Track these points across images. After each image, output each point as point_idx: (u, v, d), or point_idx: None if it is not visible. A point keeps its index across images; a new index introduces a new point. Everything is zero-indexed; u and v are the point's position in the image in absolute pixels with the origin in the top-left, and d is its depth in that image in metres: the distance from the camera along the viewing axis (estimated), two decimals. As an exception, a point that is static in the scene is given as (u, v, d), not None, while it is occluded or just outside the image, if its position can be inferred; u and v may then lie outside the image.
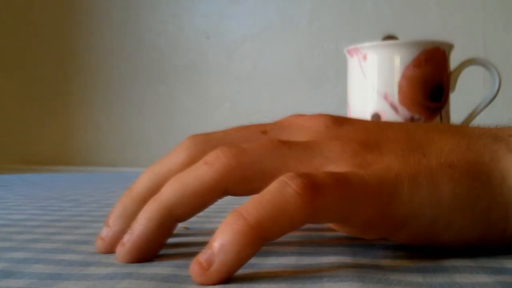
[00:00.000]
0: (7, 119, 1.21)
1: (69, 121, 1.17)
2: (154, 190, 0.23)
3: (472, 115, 0.51)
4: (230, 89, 1.08)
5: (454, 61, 0.50)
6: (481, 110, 0.51)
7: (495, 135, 0.22)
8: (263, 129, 0.24)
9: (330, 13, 1.02)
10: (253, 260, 0.21)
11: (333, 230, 0.28)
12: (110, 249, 0.24)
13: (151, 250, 0.22)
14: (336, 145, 0.22)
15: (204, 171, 0.21)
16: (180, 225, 0.30)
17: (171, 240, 0.25)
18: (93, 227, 0.31)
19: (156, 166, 0.25)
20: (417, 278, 0.18)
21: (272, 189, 0.19)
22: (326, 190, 0.19)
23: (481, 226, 0.21)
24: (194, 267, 0.19)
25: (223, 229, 0.19)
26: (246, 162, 0.21)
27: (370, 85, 0.48)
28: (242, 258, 0.18)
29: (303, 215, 0.18)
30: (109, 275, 0.20)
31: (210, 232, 0.28)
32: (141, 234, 0.22)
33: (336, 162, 0.21)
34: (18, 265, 0.22)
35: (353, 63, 0.50)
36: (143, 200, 0.23)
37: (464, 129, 0.24)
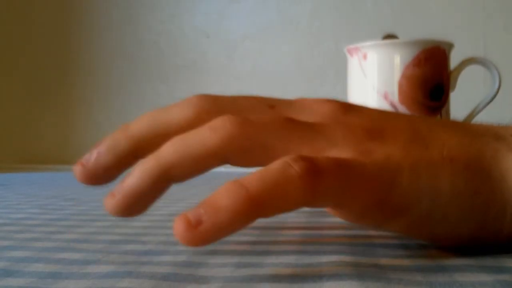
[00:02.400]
0: (6, 118, 1.21)
1: (69, 120, 1.17)
2: (150, 137, 0.22)
3: (472, 114, 0.51)
4: (230, 88, 1.08)
5: (454, 60, 0.50)
6: (481, 109, 0.51)
7: (497, 133, 0.23)
8: (271, 103, 0.24)
9: (330, 13, 1.02)
10: (253, 259, 0.21)
11: (333, 229, 0.28)
12: (87, 178, 0.23)
13: (140, 207, 0.22)
14: (341, 130, 0.22)
15: (208, 136, 0.21)
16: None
17: (171, 238, 0.25)
18: (93, 226, 0.31)
19: (158, 113, 0.24)
20: (417, 277, 0.18)
21: (275, 167, 0.19)
22: (327, 175, 0.19)
23: (477, 222, 0.21)
24: (179, 223, 0.18)
25: (221, 194, 0.18)
26: (251, 133, 0.21)
27: (370, 84, 0.48)
28: (233, 225, 0.18)
29: (302, 197, 0.18)
30: (109, 274, 0.20)
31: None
32: (133, 187, 0.21)
33: (338, 147, 0.21)
34: (18, 264, 0.22)
35: (353, 62, 0.50)
36: (136, 141, 0.23)
37: (467, 126, 0.24)
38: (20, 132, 1.20)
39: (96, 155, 0.23)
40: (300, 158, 0.19)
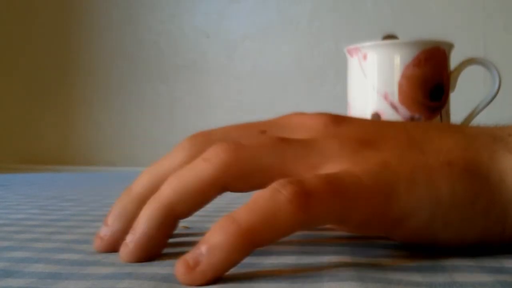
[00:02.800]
0: (6, 118, 1.21)
1: (69, 121, 1.17)
2: (153, 190, 0.23)
3: (472, 115, 0.51)
4: (230, 88, 1.08)
5: (454, 60, 0.50)
6: (481, 109, 0.51)
7: (494, 134, 0.22)
8: (262, 128, 0.24)
9: (330, 13, 1.02)
10: (253, 260, 0.21)
11: (333, 229, 0.28)
12: (108, 249, 0.24)
13: (154, 249, 0.22)
14: (334, 143, 0.22)
15: (203, 167, 0.21)
16: (181, 225, 0.30)
17: (171, 240, 0.25)
18: (93, 226, 0.31)
19: (154, 166, 0.25)
20: (417, 278, 0.18)
21: (264, 196, 0.19)
22: (318, 196, 0.19)
23: (479, 225, 0.21)
24: (179, 266, 0.19)
25: (214, 232, 0.19)
26: (245, 158, 0.21)
27: (370, 85, 0.48)
28: (230, 262, 0.18)
29: (295, 221, 0.19)
30: (109, 275, 0.20)
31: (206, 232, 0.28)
32: (143, 233, 0.22)
33: (333, 160, 0.21)
34: (18, 264, 0.22)
35: (353, 63, 0.50)
36: (142, 200, 0.23)
37: (463, 128, 0.24)
38: (20, 132, 1.20)
39: (109, 226, 0.24)
40: (288, 182, 0.19)
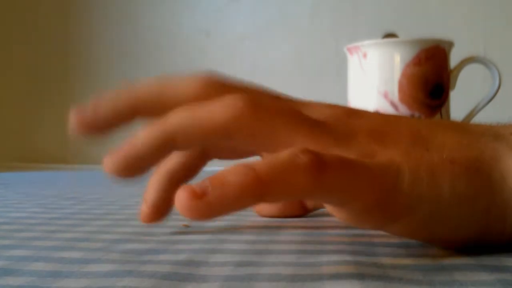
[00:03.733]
0: (6, 117, 1.21)
1: (69, 120, 1.17)
2: (154, 101, 0.22)
3: (472, 113, 0.51)
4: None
5: (454, 59, 0.50)
6: (481, 108, 0.51)
7: (496, 133, 0.22)
8: (279, 96, 0.24)
9: (330, 11, 1.02)
10: (253, 258, 0.21)
11: (333, 228, 0.28)
12: (83, 126, 0.23)
13: (139, 168, 0.22)
14: (345, 131, 0.22)
15: (219, 110, 0.21)
16: (181, 223, 0.30)
17: (171, 238, 0.25)
18: (93, 225, 0.31)
19: (165, 81, 0.24)
20: (418, 276, 0.18)
21: (284, 156, 0.19)
22: (332, 170, 0.19)
23: (479, 224, 0.21)
24: (182, 192, 0.17)
25: (230, 172, 0.18)
26: (262, 116, 0.21)
27: (370, 83, 0.48)
28: (238, 202, 0.17)
29: (308, 187, 0.18)
30: (109, 273, 0.20)
31: (211, 230, 0.28)
32: (135, 147, 0.21)
33: (342, 147, 0.21)
34: (18, 263, 0.22)
35: (353, 61, 0.50)
36: (139, 101, 0.23)
37: (466, 126, 0.24)
38: (20, 131, 1.20)
39: (95, 104, 0.23)
40: (308, 151, 0.19)
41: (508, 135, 0.22)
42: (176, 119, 0.21)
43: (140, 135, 0.21)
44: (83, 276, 0.19)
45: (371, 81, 0.48)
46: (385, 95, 0.47)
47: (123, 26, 1.14)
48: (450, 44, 0.49)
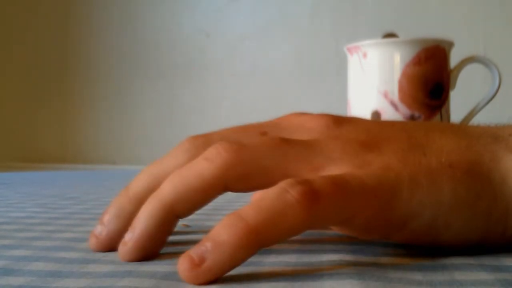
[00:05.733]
0: (7, 117, 1.21)
1: (69, 119, 1.17)
2: (151, 190, 0.23)
3: (472, 113, 0.51)
4: (230, 87, 1.08)
5: (454, 59, 0.50)
6: (481, 108, 0.51)
7: (495, 134, 0.22)
8: (262, 130, 0.24)
9: (330, 11, 1.02)
10: (253, 258, 0.21)
11: (333, 228, 0.28)
12: (103, 248, 0.23)
13: (153, 248, 0.22)
14: (337, 145, 0.22)
15: (205, 166, 0.21)
16: (181, 223, 0.30)
17: (171, 238, 0.25)
18: (93, 225, 0.31)
19: (154, 166, 0.24)
20: (417, 276, 0.18)
21: (271, 195, 0.19)
22: (325, 197, 0.19)
23: (481, 226, 0.21)
24: (183, 262, 0.18)
25: (221, 229, 0.18)
26: (247, 159, 0.21)
27: (370, 83, 0.48)
28: (235, 260, 0.18)
29: (303, 222, 0.18)
30: (109, 273, 0.20)
31: (210, 230, 0.28)
32: (142, 232, 0.21)
33: (336, 163, 0.21)
34: (18, 262, 0.22)
35: (353, 61, 0.50)
36: (140, 200, 0.23)
37: (464, 128, 0.24)
38: (21, 131, 1.20)
39: (105, 225, 0.24)
40: (296, 182, 0.19)
41: (507, 137, 0.22)
42: (168, 188, 0.21)
43: (141, 217, 0.22)
44: (83, 276, 0.19)
45: (371, 81, 0.48)
46: (385, 95, 0.47)
47: (123, 26, 1.14)
48: (450, 44, 0.49)
